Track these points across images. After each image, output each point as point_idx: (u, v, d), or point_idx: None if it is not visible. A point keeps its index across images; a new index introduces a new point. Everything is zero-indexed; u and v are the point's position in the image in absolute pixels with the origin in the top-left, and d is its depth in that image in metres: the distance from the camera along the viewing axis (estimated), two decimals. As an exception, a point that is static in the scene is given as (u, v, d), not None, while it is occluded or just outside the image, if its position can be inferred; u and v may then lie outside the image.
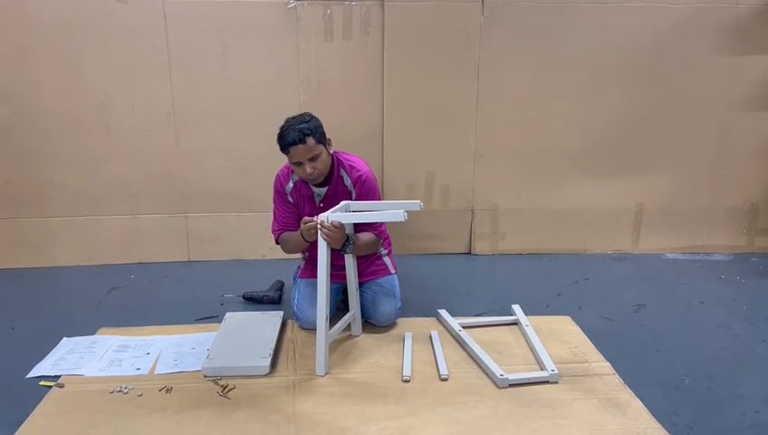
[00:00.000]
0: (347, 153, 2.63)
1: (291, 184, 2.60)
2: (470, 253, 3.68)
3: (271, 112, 3.35)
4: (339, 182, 2.55)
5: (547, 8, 3.34)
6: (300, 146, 2.35)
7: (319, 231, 2.26)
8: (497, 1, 3.31)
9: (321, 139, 2.42)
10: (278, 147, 2.41)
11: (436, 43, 3.36)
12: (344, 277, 2.54)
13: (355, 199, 2.53)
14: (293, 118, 2.43)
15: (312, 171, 2.39)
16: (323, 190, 2.55)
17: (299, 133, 2.34)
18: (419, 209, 2.27)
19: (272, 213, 2.70)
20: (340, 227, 2.29)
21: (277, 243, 2.70)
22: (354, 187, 2.54)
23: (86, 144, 3.35)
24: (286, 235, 2.62)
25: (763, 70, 3.48)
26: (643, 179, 3.62)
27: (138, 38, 3.24)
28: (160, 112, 3.35)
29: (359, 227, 2.53)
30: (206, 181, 3.46)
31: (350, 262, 2.48)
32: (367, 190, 2.55)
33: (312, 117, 2.44)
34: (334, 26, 3.31)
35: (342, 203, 2.40)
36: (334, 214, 2.29)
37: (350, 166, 2.56)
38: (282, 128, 2.41)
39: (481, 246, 3.67)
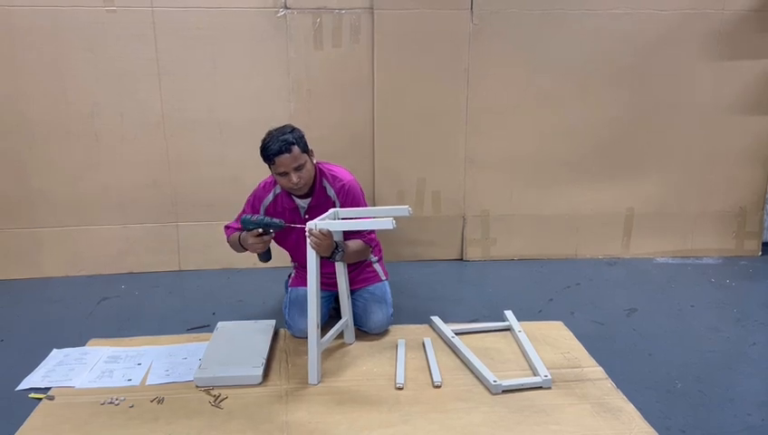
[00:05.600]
0: (329, 163, 2.63)
1: (270, 197, 2.58)
2: (462, 259, 3.69)
3: (261, 120, 3.34)
4: (322, 193, 2.54)
5: (535, 15, 3.37)
6: (285, 155, 2.35)
7: (308, 239, 2.25)
8: (486, 8, 3.33)
9: (305, 148, 2.43)
10: (263, 156, 2.41)
11: (425, 50, 3.37)
12: (335, 285, 2.54)
13: (340, 208, 2.51)
14: (275, 130, 2.43)
15: (298, 181, 2.39)
16: (307, 202, 2.55)
17: (284, 143, 2.34)
18: (408, 215, 2.27)
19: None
20: (328, 234, 2.27)
21: (228, 239, 2.63)
22: (338, 196, 2.54)
23: (75, 153, 3.33)
24: (235, 235, 2.53)
25: (750, 74, 3.52)
26: (633, 184, 3.65)
27: (127, 47, 3.23)
28: (150, 121, 3.34)
29: (348, 235, 2.52)
30: (196, 190, 3.45)
31: (340, 269, 2.48)
32: (351, 199, 2.54)
33: (295, 128, 2.44)
34: (324, 34, 3.31)
35: (331, 210, 2.40)
36: (322, 221, 2.28)
37: (333, 176, 2.56)
38: (264, 140, 2.40)
39: (472, 253, 3.68)
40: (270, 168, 2.44)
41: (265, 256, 2.52)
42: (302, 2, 3.26)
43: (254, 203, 2.62)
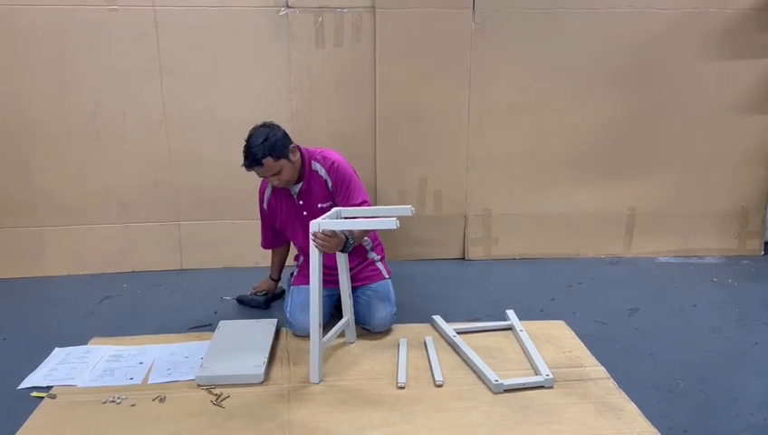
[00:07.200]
0: (317, 148, 2.68)
1: (269, 189, 2.69)
2: (463, 258, 3.69)
3: (263, 120, 3.36)
4: (312, 175, 2.60)
5: (537, 14, 3.36)
6: (258, 168, 2.45)
7: (311, 241, 2.26)
8: (488, 8, 3.33)
9: (281, 153, 2.46)
10: None
11: (427, 49, 3.37)
12: (337, 283, 2.54)
13: (332, 186, 2.59)
14: (254, 133, 2.47)
15: (278, 183, 2.51)
16: (298, 186, 2.61)
17: (253, 157, 2.42)
18: (411, 215, 2.28)
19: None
20: (333, 234, 2.29)
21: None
22: (329, 174, 2.59)
23: (77, 152, 3.33)
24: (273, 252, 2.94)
25: (752, 74, 3.51)
26: (635, 184, 3.64)
27: (129, 46, 3.23)
28: (151, 120, 3.34)
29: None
30: (198, 189, 3.45)
31: (342, 267, 2.48)
32: (342, 175, 2.59)
33: (269, 133, 2.46)
34: (326, 33, 3.31)
35: (333, 210, 2.41)
36: (325, 221, 2.28)
37: (323, 157, 2.62)
38: (245, 143, 2.47)
39: (474, 252, 3.68)
40: None
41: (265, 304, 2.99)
42: (303, 1, 3.25)
43: (260, 198, 2.76)
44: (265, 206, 2.74)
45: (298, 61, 3.34)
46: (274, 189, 2.66)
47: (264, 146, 2.42)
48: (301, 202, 2.62)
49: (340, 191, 2.58)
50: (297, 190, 2.61)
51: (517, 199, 3.63)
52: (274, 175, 2.48)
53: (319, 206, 2.59)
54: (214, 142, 3.40)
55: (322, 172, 2.59)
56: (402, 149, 3.50)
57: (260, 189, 2.76)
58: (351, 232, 2.43)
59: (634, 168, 3.62)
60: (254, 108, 3.35)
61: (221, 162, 3.41)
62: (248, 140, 2.47)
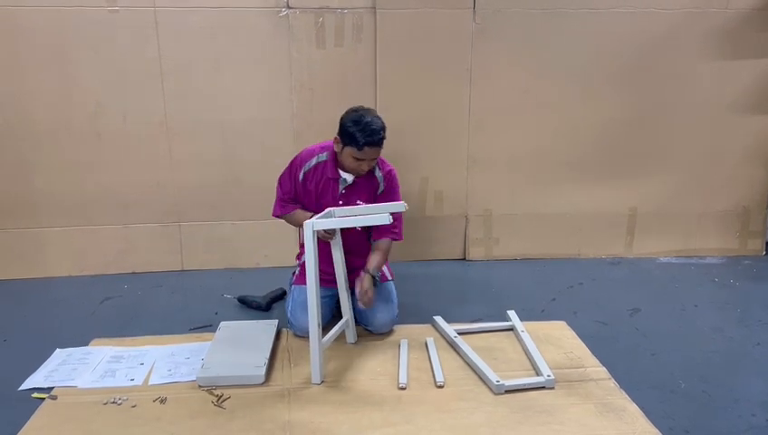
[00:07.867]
0: None
1: (313, 162, 2.59)
2: (464, 259, 3.68)
3: (263, 120, 3.37)
4: (368, 174, 2.59)
5: (538, 15, 3.36)
6: (376, 148, 2.42)
7: (359, 300, 2.31)
8: (488, 7, 3.33)
9: None
10: (346, 135, 2.41)
11: (428, 49, 3.37)
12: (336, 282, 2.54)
13: (383, 191, 2.62)
14: (368, 114, 2.41)
15: (367, 168, 2.50)
16: (352, 177, 2.56)
17: (380, 138, 2.40)
18: (404, 211, 2.29)
19: (270, 215, 2.73)
20: (369, 287, 2.39)
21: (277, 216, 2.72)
22: (384, 180, 2.61)
23: (77, 153, 3.33)
24: (292, 213, 2.64)
25: (753, 74, 3.51)
26: (636, 184, 3.64)
27: (129, 47, 3.23)
28: (152, 121, 3.33)
29: (373, 234, 2.62)
30: (199, 190, 3.44)
31: (339, 270, 2.48)
32: (395, 185, 2.66)
33: (380, 117, 2.45)
34: (326, 34, 3.31)
35: (327, 210, 2.41)
36: (320, 220, 2.28)
37: (381, 161, 2.62)
38: (353, 119, 2.40)
39: (475, 252, 3.68)
40: (344, 147, 2.45)
41: (267, 305, 2.99)
42: (304, 1, 3.25)
43: (297, 164, 2.61)
44: (301, 176, 2.59)
45: (299, 61, 3.34)
46: (318, 166, 2.57)
47: (383, 127, 2.42)
48: (343, 191, 2.58)
49: (387, 198, 2.60)
50: (349, 181, 2.57)
51: (518, 200, 3.63)
52: (373, 159, 2.47)
53: (358, 202, 2.58)
54: (214, 143, 3.40)
55: (378, 175, 2.60)
56: (403, 149, 3.49)
57: (298, 161, 2.61)
58: (374, 266, 2.50)
59: (635, 168, 3.62)
60: (255, 108, 3.36)
61: (222, 163, 3.41)
62: (363, 115, 2.39)
